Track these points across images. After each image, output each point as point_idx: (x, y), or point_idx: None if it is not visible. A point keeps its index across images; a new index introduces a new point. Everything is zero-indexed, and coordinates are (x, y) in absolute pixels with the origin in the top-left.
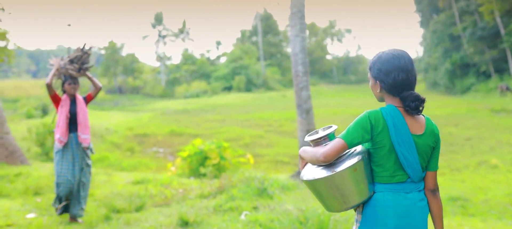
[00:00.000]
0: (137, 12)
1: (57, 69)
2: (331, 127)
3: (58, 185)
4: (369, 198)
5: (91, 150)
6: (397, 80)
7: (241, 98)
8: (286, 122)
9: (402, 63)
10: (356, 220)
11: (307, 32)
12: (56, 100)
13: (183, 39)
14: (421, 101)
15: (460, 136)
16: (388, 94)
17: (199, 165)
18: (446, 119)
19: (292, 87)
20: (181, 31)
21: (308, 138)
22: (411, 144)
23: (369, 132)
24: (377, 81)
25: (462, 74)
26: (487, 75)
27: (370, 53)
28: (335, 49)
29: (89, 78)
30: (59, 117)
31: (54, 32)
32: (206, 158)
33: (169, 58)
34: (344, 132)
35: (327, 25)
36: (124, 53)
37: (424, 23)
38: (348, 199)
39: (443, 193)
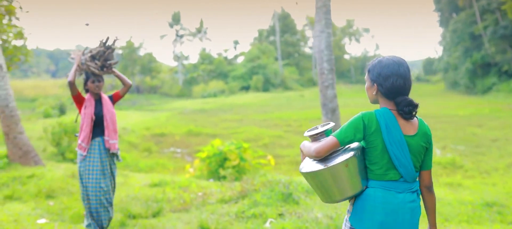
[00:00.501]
0: (155, 11)
1: (78, 65)
2: (329, 123)
3: (88, 198)
4: (362, 192)
5: (117, 157)
6: (394, 86)
7: (259, 98)
8: (305, 122)
9: (401, 70)
10: (348, 211)
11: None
12: (79, 100)
13: (200, 39)
14: (414, 106)
15: (485, 136)
16: (383, 98)
17: (218, 167)
18: (469, 119)
19: (310, 87)
20: (199, 30)
21: (307, 133)
22: (404, 145)
23: (361, 132)
24: (375, 84)
25: (483, 73)
26: (509, 75)
27: (388, 52)
28: (352, 49)
29: (117, 76)
30: (83, 119)
31: (72, 31)
32: (225, 159)
33: (186, 58)
34: (338, 130)
35: (345, 24)
36: (141, 52)
37: (443, 22)
38: (341, 191)
39: (476, 197)
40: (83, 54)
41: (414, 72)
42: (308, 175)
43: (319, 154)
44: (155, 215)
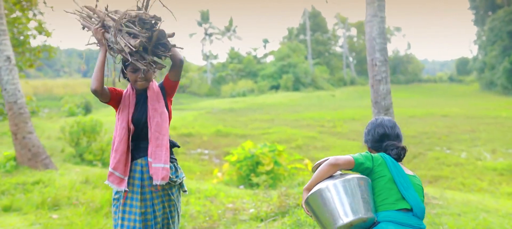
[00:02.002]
0: (184, 10)
1: (103, 45)
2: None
3: None
4: (372, 226)
5: (181, 187)
6: (375, 136)
7: (289, 98)
8: (339, 123)
9: (379, 121)
10: None
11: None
12: (114, 100)
13: (229, 37)
14: (402, 149)
15: None
16: (374, 151)
17: (249, 172)
18: None
19: (340, 87)
20: (228, 29)
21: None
22: (408, 180)
23: (371, 161)
24: (365, 144)
25: None
26: None
27: (420, 52)
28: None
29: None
30: (116, 131)
31: None
32: (257, 163)
33: (215, 57)
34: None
35: None
36: None
37: (478, 21)
38: (355, 209)
39: None
40: (105, 27)
41: (446, 73)
42: (317, 194)
43: (337, 161)
44: None
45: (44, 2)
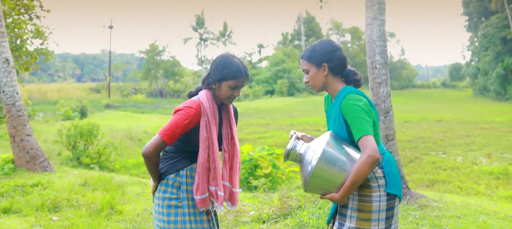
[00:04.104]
0: (180, 15)
1: None
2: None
3: None
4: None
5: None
6: (342, 57)
7: (284, 103)
8: None
9: (337, 43)
10: (376, 180)
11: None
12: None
13: (224, 42)
14: (358, 74)
15: None
16: (333, 76)
17: (248, 175)
18: (508, 125)
19: None
20: (223, 34)
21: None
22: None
23: (371, 108)
24: (323, 64)
25: None
26: None
27: (413, 58)
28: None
29: None
30: (204, 146)
31: (97, 36)
32: (256, 166)
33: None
34: (359, 128)
35: None
36: (165, 56)
37: (471, 27)
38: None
39: None
40: None
41: (439, 79)
42: (322, 160)
43: (377, 152)
44: None
45: (41, 6)
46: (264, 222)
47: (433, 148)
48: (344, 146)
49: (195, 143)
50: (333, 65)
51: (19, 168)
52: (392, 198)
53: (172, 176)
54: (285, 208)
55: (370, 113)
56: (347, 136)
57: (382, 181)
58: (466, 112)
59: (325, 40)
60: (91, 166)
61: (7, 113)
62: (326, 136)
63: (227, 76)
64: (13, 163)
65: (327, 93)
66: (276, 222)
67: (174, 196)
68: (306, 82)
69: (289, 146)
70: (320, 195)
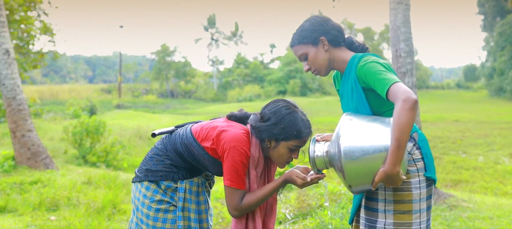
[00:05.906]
0: (190, 15)
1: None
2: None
3: None
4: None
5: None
6: (336, 25)
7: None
8: None
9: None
10: (414, 162)
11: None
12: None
13: (235, 43)
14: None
15: None
16: (336, 48)
17: None
18: None
19: None
20: (234, 34)
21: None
22: None
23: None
24: (320, 39)
25: None
26: None
27: (426, 59)
28: (390, 54)
29: None
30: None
31: (109, 39)
32: None
33: (221, 62)
34: (384, 80)
35: (383, 29)
36: (176, 57)
37: (487, 27)
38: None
39: None
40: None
41: (454, 80)
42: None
43: (413, 93)
44: None
45: (49, 2)
46: (280, 222)
47: (453, 148)
48: (365, 121)
49: (205, 165)
50: (332, 36)
51: (20, 165)
52: (430, 183)
53: (168, 182)
54: (304, 207)
55: (393, 72)
56: (369, 109)
57: (420, 164)
58: (483, 112)
59: (310, 17)
60: (98, 164)
61: (8, 107)
62: (341, 123)
63: (289, 136)
64: (13, 159)
65: (334, 72)
66: (294, 222)
67: (166, 199)
68: (308, 69)
69: (311, 154)
70: (372, 186)
